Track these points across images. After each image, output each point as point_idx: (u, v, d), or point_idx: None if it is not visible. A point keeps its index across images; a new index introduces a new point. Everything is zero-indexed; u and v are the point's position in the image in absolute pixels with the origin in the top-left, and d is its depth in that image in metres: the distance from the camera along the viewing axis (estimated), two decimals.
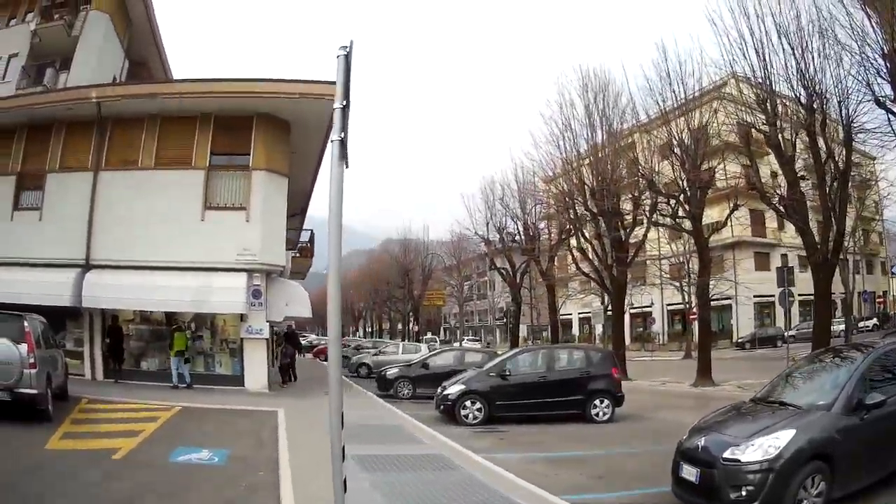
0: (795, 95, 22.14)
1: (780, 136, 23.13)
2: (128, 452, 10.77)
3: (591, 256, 35.33)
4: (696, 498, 7.89)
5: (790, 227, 30.58)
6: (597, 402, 17.43)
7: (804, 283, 27.43)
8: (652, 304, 60.51)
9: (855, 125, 21.30)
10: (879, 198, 37.87)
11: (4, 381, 11.69)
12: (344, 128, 4.91)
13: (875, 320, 54.46)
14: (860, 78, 20.05)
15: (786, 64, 21.99)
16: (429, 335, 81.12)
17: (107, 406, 15.49)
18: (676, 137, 27.35)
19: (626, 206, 33.15)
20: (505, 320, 68.46)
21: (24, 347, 12.06)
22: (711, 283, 31.79)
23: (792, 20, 21.55)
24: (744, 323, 55.92)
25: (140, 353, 22.21)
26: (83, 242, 20.77)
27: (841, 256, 26.32)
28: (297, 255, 35.11)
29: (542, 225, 47.04)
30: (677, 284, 48.70)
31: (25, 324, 12.54)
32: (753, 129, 24.67)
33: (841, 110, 21.48)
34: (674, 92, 27.33)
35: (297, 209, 25.85)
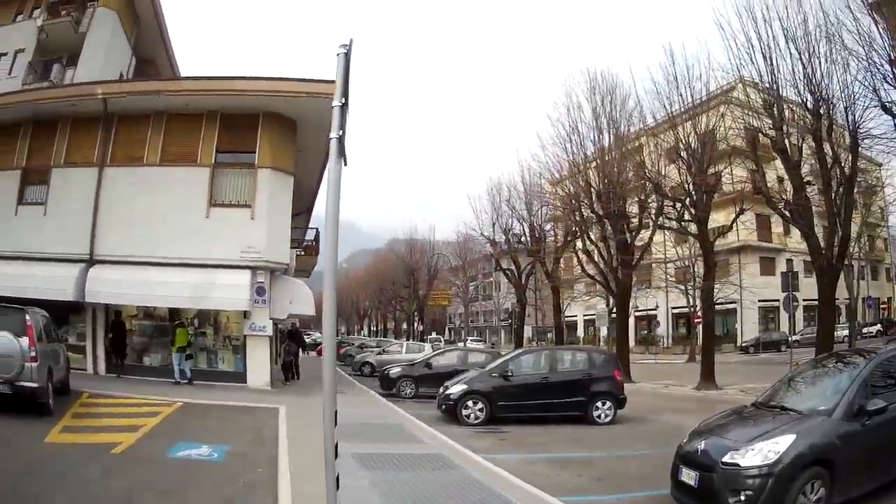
0: (802, 100, 22.06)
1: (786, 140, 23.08)
2: (127, 447, 10.76)
3: (596, 259, 35.35)
4: (695, 502, 7.85)
5: (796, 232, 30.54)
6: (599, 403, 17.39)
7: (809, 288, 27.39)
8: (657, 307, 60.36)
9: (861, 131, 21.19)
10: (885, 204, 37.87)
11: (5, 374, 11.71)
12: (342, 126, 4.91)
13: (879, 326, 54.21)
14: (867, 83, 19.98)
15: (793, 69, 21.95)
16: (433, 335, 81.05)
17: (108, 401, 15.53)
18: (683, 141, 27.32)
19: (633, 209, 33.20)
20: (510, 321, 68.44)
21: (25, 341, 12.07)
22: (716, 286, 31.75)
23: (799, 25, 21.52)
24: (748, 327, 55.82)
25: (143, 349, 22.26)
26: (87, 238, 20.83)
27: (846, 262, 26.21)
28: (302, 253, 35.04)
29: (547, 227, 46.97)
30: (682, 288, 48.62)
31: (27, 317, 12.54)
32: (760, 134, 24.61)
33: (847, 116, 21.39)
34: (681, 95, 27.42)
35: (302, 208, 25.85)
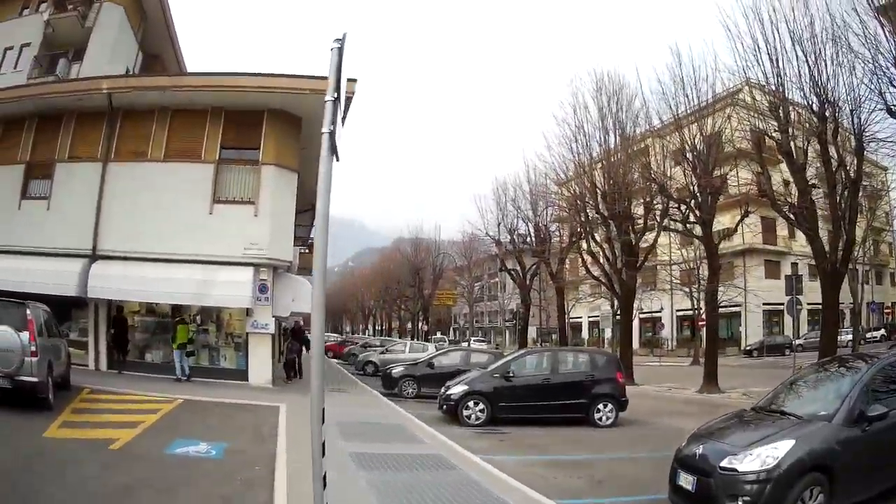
0: (808, 103, 21.97)
1: (792, 143, 23.01)
2: (125, 443, 10.74)
3: (601, 260, 35.24)
4: None
5: (801, 236, 30.44)
6: (600, 406, 17.37)
7: (813, 292, 27.29)
8: (661, 309, 60.26)
9: (867, 134, 21.13)
10: (890, 208, 37.75)
11: (5, 368, 11.71)
12: (334, 121, 4.87)
13: (883, 331, 54.15)
14: (873, 87, 19.85)
15: (799, 71, 21.87)
16: (438, 335, 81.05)
17: (108, 396, 15.50)
18: (689, 143, 27.25)
19: (638, 210, 33.08)
20: (514, 322, 68.34)
21: (25, 335, 12.06)
22: (721, 289, 31.65)
23: (806, 27, 21.44)
24: (752, 330, 55.77)
25: (145, 345, 22.32)
26: (90, 233, 20.84)
27: (850, 266, 26.11)
28: (306, 251, 35.07)
29: (553, 227, 46.94)
30: (687, 290, 48.52)
31: (28, 312, 12.52)
32: (766, 136, 24.53)
33: (853, 119, 21.32)
34: (687, 97, 27.30)
35: (307, 205, 25.75)
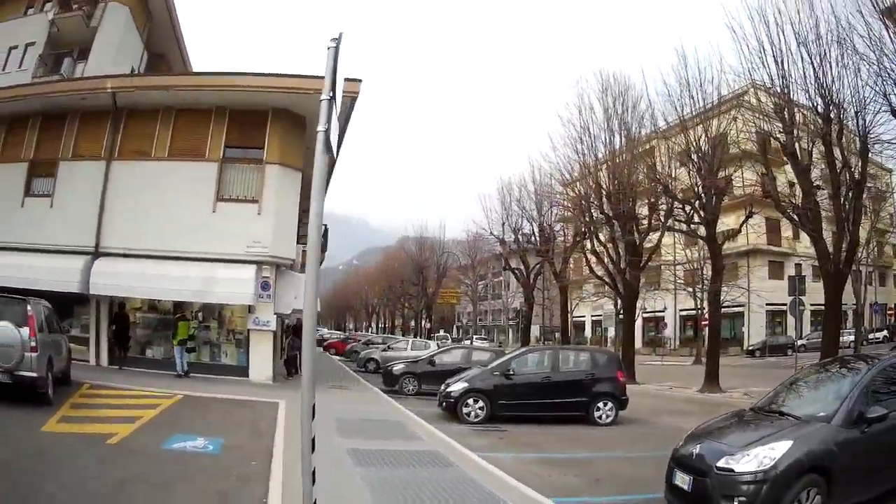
0: (813, 104, 21.90)
1: (796, 144, 22.93)
2: (123, 438, 10.76)
3: (605, 260, 35.22)
4: None
5: (805, 237, 30.32)
6: (600, 404, 17.37)
7: (817, 292, 27.19)
8: (665, 308, 60.26)
9: (871, 136, 21.07)
10: (894, 210, 37.65)
11: (5, 363, 11.75)
12: (329, 119, 4.86)
13: (885, 332, 54.05)
14: (877, 88, 19.80)
15: (804, 73, 21.78)
16: (441, 333, 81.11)
17: (108, 392, 15.57)
18: (694, 144, 27.23)
19: (642, 210, 33.03)
20: (518, 320, 68.35)
21: (26, 331, 12.10)
22: (724, 289, 31.62)
23: (811, 29, 21.33)
24: (755, 330, 55.71)
25: (146, 341, 22.40)
26: (93, 230, 20.92)
27: (853, 267, 26.04)
28: None
29: (557, 227, 47.07)
30: (690, 290, 48.45)
31: (28, 308, 12.57)
32: (770, 138, 24.49)
33: (858, 120, 21.23)
34: (692, 98, 27.26)
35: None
